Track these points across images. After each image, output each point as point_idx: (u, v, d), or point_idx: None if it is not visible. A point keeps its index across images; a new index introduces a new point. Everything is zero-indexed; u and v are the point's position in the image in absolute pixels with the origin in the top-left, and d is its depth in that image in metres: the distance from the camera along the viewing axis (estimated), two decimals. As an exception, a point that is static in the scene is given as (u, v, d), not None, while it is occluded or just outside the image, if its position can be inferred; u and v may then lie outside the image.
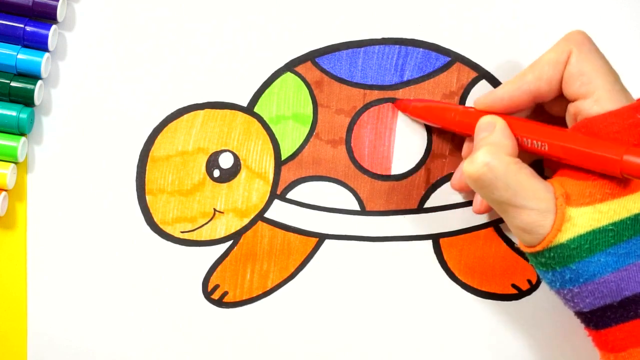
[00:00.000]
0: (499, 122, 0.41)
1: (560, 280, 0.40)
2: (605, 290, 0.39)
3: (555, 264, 0.39)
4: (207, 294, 0.49)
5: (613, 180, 0.38)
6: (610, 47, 0.48)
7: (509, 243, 0.49)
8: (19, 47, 0.45)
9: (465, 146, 0.47)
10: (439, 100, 0.47)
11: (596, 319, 0.40)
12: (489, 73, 0.48)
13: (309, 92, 0.48)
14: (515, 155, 0.40)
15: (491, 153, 0.39)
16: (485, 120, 0.42)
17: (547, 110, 0.44)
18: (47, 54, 0.46)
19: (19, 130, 0.46)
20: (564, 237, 0.38)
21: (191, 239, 0.48)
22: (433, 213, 0.49)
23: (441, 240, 0.49)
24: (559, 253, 0.39)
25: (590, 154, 0.38)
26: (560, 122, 0.43)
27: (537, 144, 0.40)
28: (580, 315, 0.41)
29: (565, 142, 0.39)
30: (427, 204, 0.49)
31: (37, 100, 0.46)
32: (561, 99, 0.42)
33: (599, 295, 0.39)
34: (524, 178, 0.39)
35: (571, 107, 0.41)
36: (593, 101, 0.39)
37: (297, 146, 0.48)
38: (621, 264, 0.38)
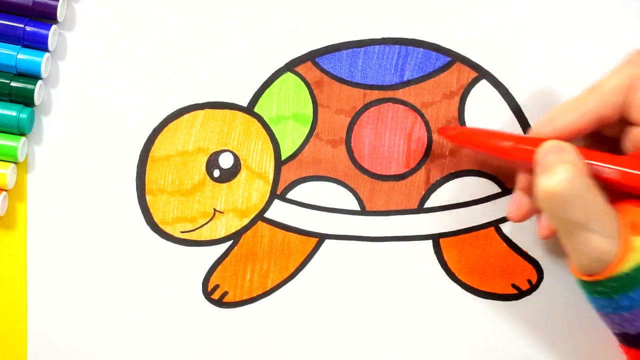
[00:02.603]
0: (569, 145, 0.39)
1: (615, 307, 0.39)
2: None
3: (614, 292, 0.38)
4: (207, 294, 0.49)
5: None
6: (610, 47, 0.48)
7: (509, 243, 0.49)
8: (19, 47, 0.45)
9: (522, 178, 0.44)
10: (485, 129, 0.46)
11: None
12: (490, 73, 0.48)
13: (309, 92, 0.48)
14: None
15: (572, 171, 0.38)
16: (552, 144, 0.40)
17: (600, 131, 0.42)
18: (47, 54, 0.46)
19: (19, 130, 0.46)
20: (627, 266, 0.37)
21: (191, 239, 0.48)
22: (433, 213, 0.49)
23: (441, 240, 0.49)
24: (621, 282, 0.38)
25: None
26: (614, 143, 0.42)
27: (608, 171, 0.39)
28: (623, 336, 0.40)
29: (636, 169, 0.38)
30: (427, 204, 0.49)
31: (37, 100, 0.46)
32: (620, 121, 0.40)
33: None
34: (601, 202, 0.38)
35: (632, 133, 0.39)
36: None
37: (297, 146, 0.48)
38: None
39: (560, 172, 0.38)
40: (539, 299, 0.49)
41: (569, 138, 0.41)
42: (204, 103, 0.48)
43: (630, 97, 0.39)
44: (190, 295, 0.49)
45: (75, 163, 0.48)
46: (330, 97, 0.48)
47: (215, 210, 0.48)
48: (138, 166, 0.48)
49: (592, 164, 0.39)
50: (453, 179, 0.48)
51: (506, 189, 0.48)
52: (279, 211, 0.48)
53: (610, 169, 0.38)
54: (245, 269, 0.49)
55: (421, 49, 0.48)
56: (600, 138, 0.42)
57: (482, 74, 0.48)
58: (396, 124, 0.48)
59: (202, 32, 0.47)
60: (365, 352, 0.50)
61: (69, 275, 0.48)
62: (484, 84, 0.48)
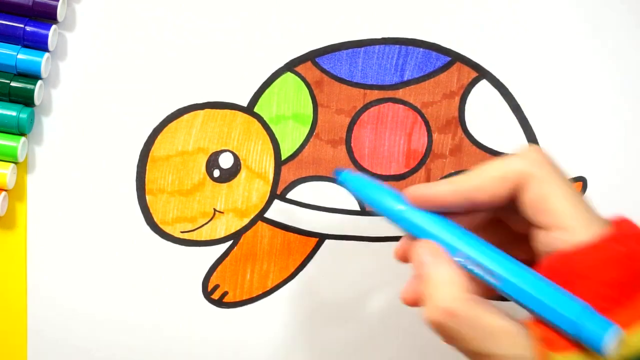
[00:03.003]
0: (439, 252, 0.36)
1: None
2: None
3: None
4: (207, 294, 0.49)
5: None
6: (609, 47, 0.48)
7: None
8: (19, 47, 0.45)
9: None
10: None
11: None
12: (490, 73, 0.48)
13: (309, 92, 0.48)
14: (472, 287, 0.35)
15: (451, 296, 0.34)
16: (421, 250, 0.36)
17: (507, 224, 0.39)
18: (47, 54, 0.46)
19: (19, 130, 0.46)
20: None
21: (191, 239, 0.48)
22: (433, 213, 0.49)
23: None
24: None
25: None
26: (523, 239, 0.37)
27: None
28: None
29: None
30: (427, 204, 0.48)
31: (37, 100, 0.46)
32: (523, 217, 0.36)
33: None
34: (494, 321, 0.34)
35: (537, 236, 0.35)
36: (562, 232, 0.34)
37: (297, 146, 0.48)
38: None
39: (438, 300, 0.34)
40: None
41: (439, 208, 0.37)
42: (204, 103, 0.48)
43: (522, 198, 0.35)
44: (190, 295, 0.49)
45: (75, 163, 0.48)
46: (330, 97, 0.48)
47: (215, 210, 0.48)
48: (138, 166, 0.48)
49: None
50: (453, 179, 0.48)
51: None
52: (279, 211, 0.48)
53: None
54: (245, 269, 0.49)
55: (421, 49, 0.48)
56: (509, 233, 0.38)
57: (482, 74, 0.48)
58: (396, 124, 0.48)
59: (202, 32, 0.47)
60: (366, 352, 0.50)
61: (68, 275, 0.48)
62: (484, 84, 0.48)
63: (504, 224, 0.39)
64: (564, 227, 0.34)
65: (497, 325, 0.34)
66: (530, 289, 0.34)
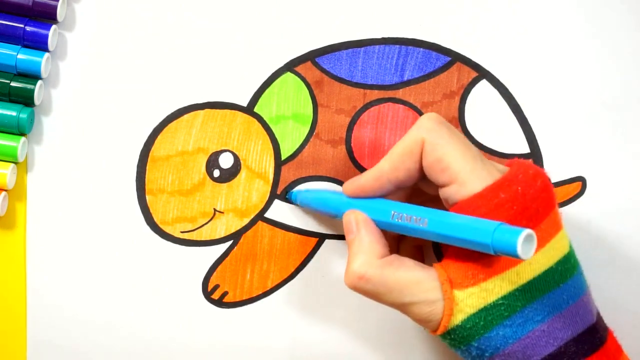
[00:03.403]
0: (361, 220, 0.42)
1: (470, 357, 0.40)
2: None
3: (458, 343, 0.40)
4: (207, 294, 0.49)
5: (494, 258, 0.38)
6: (609, 47, 0.48)
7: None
8: (19, 47, 0.45)
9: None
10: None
11: None
12: (490, 73, 0.48)
13: (309, 92, 0.48)
14: (386, 251, 0.41)
15: (363, 264, 0.40)
16: (347, 218, 0.42)
17: (425, 191, 0.44)
18: (47, 54, 0.46)
19: (19, 130, 0.46)
20: (457, 319, 0.39)
21: (191, 239, 0.48)
22: (433, 213, 0.49)
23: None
24: (458, 334, 0.39)
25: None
26: (438, 200, 0.42)
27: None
28: None
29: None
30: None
31: (37, 100, 0.46)
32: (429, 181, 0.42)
33: None
34: (404, 275, 0.40)
35: (441, 193, 0.41)
36: (458, 186, 0.39)
37: (297, 146, 0.48)
38: (521, 333, 0.39)
39: (353, 269, 0.40)
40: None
41: (372, 196, 0.43)
42: (204, 103, 0.48)
43: (425, 163, 0.40)
44: (190, 295, 0.49)
45: (75, 163, 0.48)
46: (330, 97, 0.48)
47: (215, 210, 0.48)
48: (138, 166, 0.48)
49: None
50: (453, 179, 0.48)
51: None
52: (279, 211, 0.48)
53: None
54: (245, 268, 0.49)
55: (421, 49, 0.48)
56: (428, 199, 0.44)
57: (482, 74, 0.48)
58: (396, 124, 0.48)
59: (202, 32, 0.47)
60: (366, 352, 0.50)
61: (68, 275, 0.48)
62: (484, 84, 0.48)
63: (421, 190, 0.44)
64: (460, 182, 0.39)
65: (406, 278, 0.40)
66: (450, 220, 0.38)
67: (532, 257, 0.38)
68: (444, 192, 0.40)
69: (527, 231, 0.35)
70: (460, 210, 0.39)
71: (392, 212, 0.41)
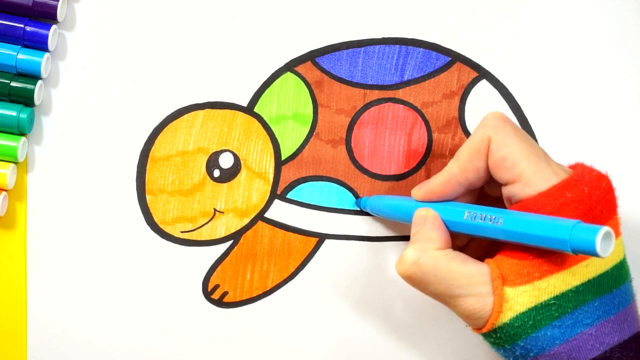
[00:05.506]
0: (430, 215, 0.42)
1: (513, 356, 0.40)
2: None
3: (503, 342, 0.39)
4: (207, 294, 0.49)
5: (551, 257, 0.38)
6: (610, 47, 0.48)
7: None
8: (19, 47, 0.45)
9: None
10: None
11: None
12: (490, 73, 0.48)
13: (309, 92, 0.48)
14: (447, 246, 0.41)
15: (418, 250, 0.40)
16: (417, 214, 0.42)
17: (488, 193, 0.44)
18: (47, 54, 0.46)
19: (19, 130, 0.46)
20: (506, 317, 0.39)
21: (191, 239, 0.48)
22: (433, 213, 0.49)
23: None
24: (505, 332, 0.39)
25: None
26: (501, 203, 0.42)
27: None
28: None
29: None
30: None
31: (37, 100, 0.46)
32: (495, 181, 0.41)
33: None
34: (456, 267, 0.39)
35: (505, 191, 0.40)
36: (523, 185, 0.39)
37: (297, 146, 0.48)
38: (569, 334, 0.39)
39: (407, 254, 0.40)
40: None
41: (445, 200, 0.43)
42: (204, 103, 0.48)
43: (490, 162, 0.40)
44: (190, 295, 0.49)
45: (75, 163, 0.48)
46: (330, 97, 0.48)
47: (215, 210, 0.48)
48: (138, 166, 0.48)
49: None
50: (453, 179, 0.48)
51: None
52: (279, 211, 0.48)
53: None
54: (245, 269, 0.49)
55: (421, 49, 0.48)
56: (491, 200, 0.44)
57: (482, 74, 0.48)
58: (396, 124, 0.48)
59: (202, 32, 0.47)
60: (366, 352, 0.50)
61: (68, 275, 0.48)
62: (484, 84, 0.48)
63: (483, 193, 0.44)
64: (525, 180, 0.39)
65: (458, 270, 0.39)
66: (526, 218, 0.38)
67: (589, 259, 0.38)
68: (508, 190, 0.40)
69: (605, 229, 0.35)
70: (525, 208, 0.39)
71: (466, 212, 0.40)
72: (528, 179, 0.39)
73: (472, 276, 0.39)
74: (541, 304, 0.38)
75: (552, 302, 0.38)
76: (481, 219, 0.40)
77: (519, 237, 0.38)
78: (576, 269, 0.38)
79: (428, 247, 0.40)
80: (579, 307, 0.38)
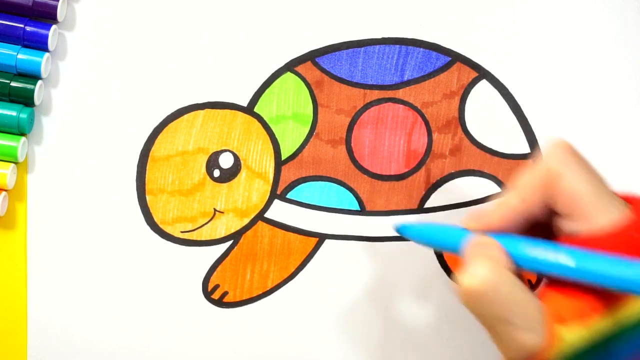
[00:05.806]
0: (492, 241, 0.39)
1: None
2: None
3: None
4: (207, 294, 0.49)
5: (602, 295, 0.37)
6: (610, 47, 0.48)
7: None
8: (19, 47, 0.45)
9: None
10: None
11: None
12: (490, 73, 0.48)
13: (309, 92, 0.48)
14: (512, 272, 0.39)
15: (492, 268, 0.38)
16: (475, 240, 0.40)
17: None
18: (47, 54, 0.46)
19: (19, 130, 0.46)
20: (551, 354, 0.37)
21: (191, 239, 0.48)
22: (433, 213, 0.49)
23: (441, 240, 0.49)
24: None
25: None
26: (544, 228, 0.41)
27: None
28: None
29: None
30: (428, 204, 0.49)
31: (37, 100, 0.46)
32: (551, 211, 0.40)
33: None
34: (519, 294, 0.37)
35: (560, 223, 0.39)
36: (583, 220, 0.38)
37: (297, 146, 0.48)
38: None
39: (480, 270, 0.38)
40: (539, 299, 0.49)
41: (499, 233, 0.40)
42: (204, 103, 0.48)
43: (551, 193, 0.39)
44: (190, 295, 0.49)
45: (75, 163, 0.48)
46: (330, 97, 0.48)
47: (215, 210, 0.48)
48: (138, 166, 0.48)
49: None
50: (453, 179, 0.48)
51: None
52: (279, 211, 0.48)
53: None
54: (246, 269, 0.49)
55: (421, 49, 0.48)
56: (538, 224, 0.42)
57: (482, 74, 0.48)
58: (396, 124, 0.48)
59: (202, 32, 0.47)
60: (366, 352, 0.50)
61: (69, 275, 0.48)
62: (484, 84, 0.48)
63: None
64: (586, 215, 0.38)
65: (524, 299, 0.37)
66: (600, 259, 0.36)
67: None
68: (564, 223, 0.39)
69: None
70: (584, 244, 0.37)
71: (529, 247, 0.38)
72: (589, 214, 0.37)
73: (527, 306, 0.37)
74: (591, 343, 0.37)
75: (601, 342, 0.37)
76: (548, 257, 0.38)
77: (591, 277, 0.37)
78: (627, 308, 0.37)
79: (500, 266, 0.38)
80: (627, 347, 0.37)
